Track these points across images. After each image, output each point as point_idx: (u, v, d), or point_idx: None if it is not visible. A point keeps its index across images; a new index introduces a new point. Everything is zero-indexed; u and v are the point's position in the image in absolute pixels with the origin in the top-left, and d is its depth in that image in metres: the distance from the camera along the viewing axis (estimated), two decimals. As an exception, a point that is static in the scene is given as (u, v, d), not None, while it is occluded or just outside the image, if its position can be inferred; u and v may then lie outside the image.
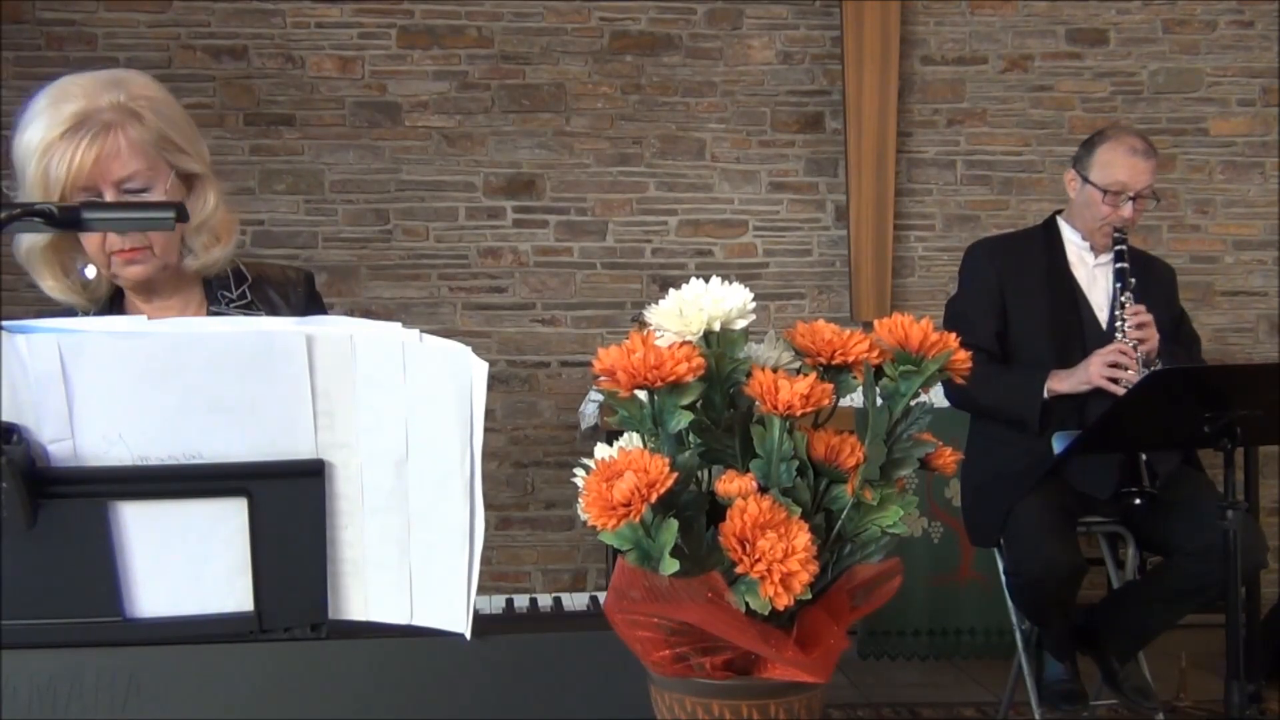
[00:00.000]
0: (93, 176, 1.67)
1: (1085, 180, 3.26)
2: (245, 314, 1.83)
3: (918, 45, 5.02)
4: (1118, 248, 3.20)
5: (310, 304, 1.93)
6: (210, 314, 1.83)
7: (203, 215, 1.80)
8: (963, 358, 1.03)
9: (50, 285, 1.79)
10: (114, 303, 1.84)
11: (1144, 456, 3.01)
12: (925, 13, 5.03)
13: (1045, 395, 3.12)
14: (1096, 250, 3.29)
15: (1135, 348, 3.06)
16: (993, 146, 5.06)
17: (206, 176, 1.81)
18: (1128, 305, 3.13)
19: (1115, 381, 3.02)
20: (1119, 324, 3.12)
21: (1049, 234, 3.36)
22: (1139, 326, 3.08)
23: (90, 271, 1.79)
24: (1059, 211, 3.41)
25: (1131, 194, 3.19)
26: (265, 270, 1.93)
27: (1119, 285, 3.16)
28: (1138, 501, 3.00)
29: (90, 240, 1.74)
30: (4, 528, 1.12)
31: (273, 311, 1.86)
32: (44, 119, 1.67)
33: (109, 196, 1.69)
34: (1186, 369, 3.00)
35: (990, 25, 5.05)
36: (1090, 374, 3.06)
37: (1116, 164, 3.20)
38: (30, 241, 1.76)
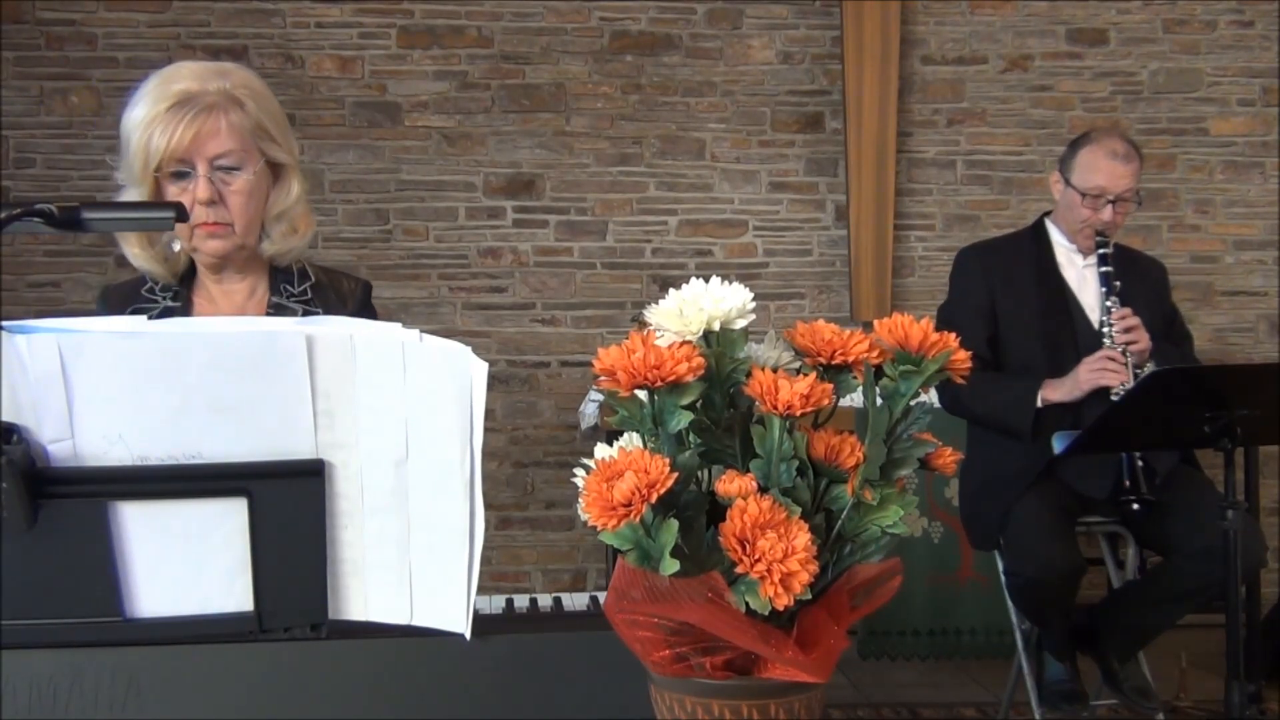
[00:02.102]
0: (189, 151, 1.78)
1: (1067, 182, 3.26)
2: (305, 309, 1.92)
3: (918, 45, 5.02)
4: (1100, 251, 3.20)
5: (362, 314, 1.98)
6: (272, 303, 1.92)
7: (285, 204, 1.91)
8: (963, 358, 1.03)
9: (136, 253, 1.88)
10: (187, 279, 1.93)
11: (1140, 463, 3.01)
12: (925, 13, 5.02)
13: (1039, 404, 3.13)
14: (1082, 252, 3.29)
15: (1124, 352, 3.06)
16: (993, 146, 5.06)
17: (294, 169, 1.92)
18: (1114, 310, 3.13)
19: (1107, 388, 3.02)
20: (1106, 329, 3.12)
21: (1037, 236, 3.36)
22: (1127, 330, 3.09)
23: (176, 245, 1.88)
24: (1048, 213, 3.41)
25: (1111, 197, 3.18)
26: (330, 275, 2.02)
27: (1105, 290, 3.16)
28: (1136, 507, 3.00)
29: None
30: (4, 528, 1.12)
31: (329, 312, 1.93)
32: (151, 95, 1.78)
33: (201, 171, 1.79)
34: (1186, 369, 3.00)
35: (990, 25, 5.05)
36: (1079, 381, 3.07)
37: (1096, 167, 3.20)
38: None
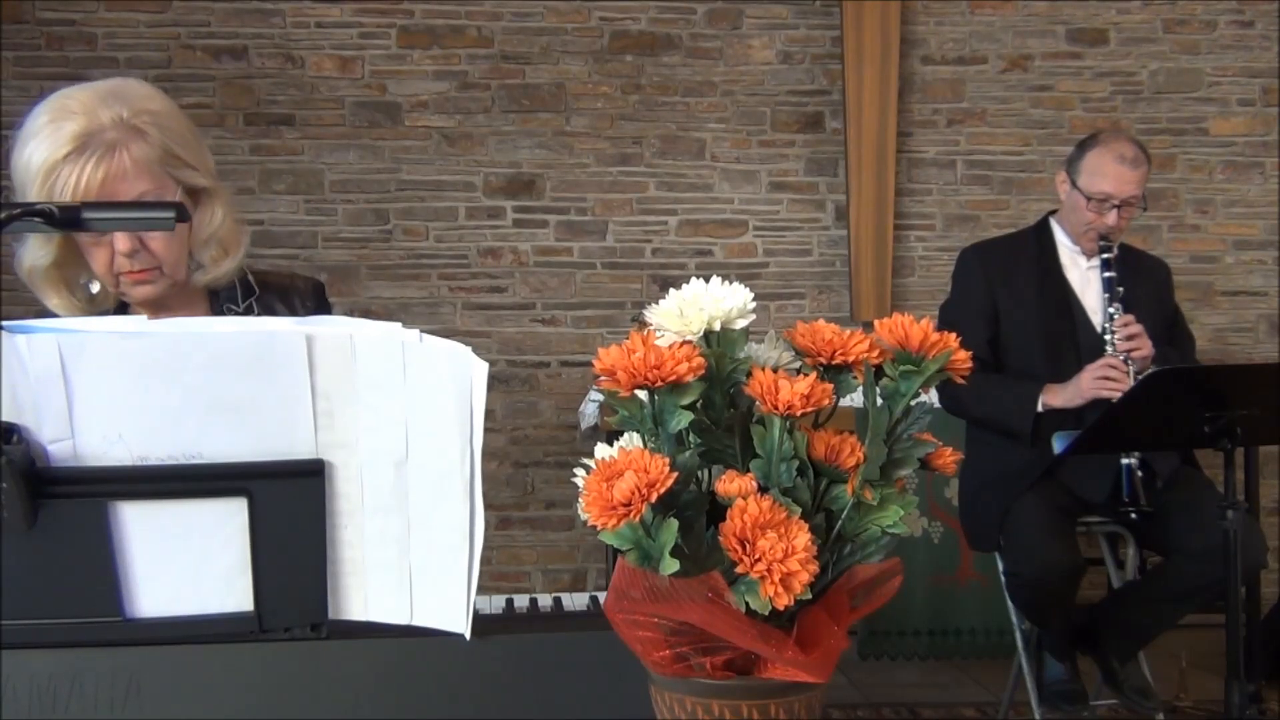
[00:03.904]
0: (100, 199, 1.64)
1: (1073, 184, 3.25)
2: None
3: (918, 45, 5.02)
4: (1103, 255, 3.19)
5: (318, 314, 1.90)
6: None
7: (210, 229, 1.79)
8: (963, 358, 1.03)
9: (56, 304, 1.78)
10: (118, 314, 1.82)
11: (1139, 472, 3.01)
12: (925, 13, 5.02)
13: (1040, 409, 3.12)
14: (1086, 253, 3.29)
15: (1126, 359, 3.06)
16: (993, 146, 5.06)
17: (213, 189, 1.79)
18: (1117, 316, 3.12)
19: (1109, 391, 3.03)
20: (1109, 335, 3.12)
21: (1041, 236, 3.35)
22: (1129, 338, 3.08)
23: (95, 287, 1.78)
24: (1052, 212, 3.40)
25: (1116, 202, 3.18)
26: (272, 280, 1.91)
27: (1107, 296, 3.16)
28: (1134, 516, 3.00)
29: (98, 261, 1.73)
30: (4, 528, 1.12)
31: None
32: (45, 139, 1.63)
33: None
34: (1186, 369, 3.00)
35: (990, 25, 5.05)
36: (1082, 388, 3.07)
37: (1103, 172, 3.19)
38: (32, 261, 1.75)
